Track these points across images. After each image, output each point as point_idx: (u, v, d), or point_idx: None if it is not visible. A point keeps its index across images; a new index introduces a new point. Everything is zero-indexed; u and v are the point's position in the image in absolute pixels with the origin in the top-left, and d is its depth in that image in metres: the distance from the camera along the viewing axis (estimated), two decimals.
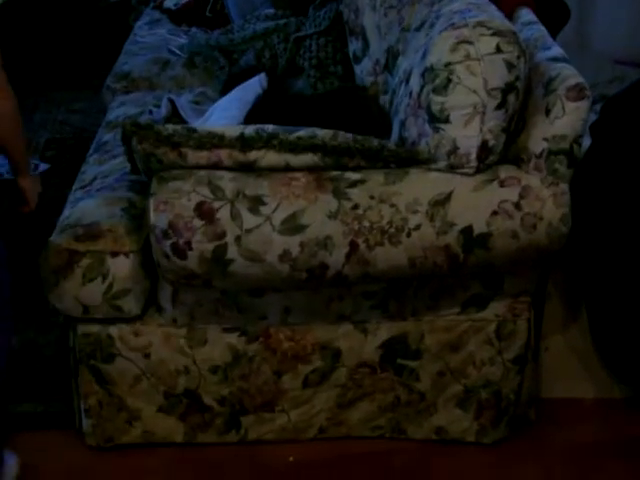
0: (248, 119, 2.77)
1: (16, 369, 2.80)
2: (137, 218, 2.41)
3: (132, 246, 2.35)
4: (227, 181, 2.20)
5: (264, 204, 2.18)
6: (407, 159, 2.28)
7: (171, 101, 3.21)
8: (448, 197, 2.23)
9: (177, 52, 3.77)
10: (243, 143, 2.21)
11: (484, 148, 2.23)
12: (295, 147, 2.22)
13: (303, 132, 2.23)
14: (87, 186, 2.67)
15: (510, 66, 2.20)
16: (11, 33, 4.86)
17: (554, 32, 3.01)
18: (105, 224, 2.38)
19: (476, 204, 2.24)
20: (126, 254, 2.34)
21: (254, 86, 3.04)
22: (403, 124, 2.38)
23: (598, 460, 2.63)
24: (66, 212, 2.51)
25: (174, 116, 3.15)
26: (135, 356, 2.45)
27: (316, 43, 3.45)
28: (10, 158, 2.43)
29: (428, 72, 2.25)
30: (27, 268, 2.49)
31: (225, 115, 2.86)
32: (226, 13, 4.16)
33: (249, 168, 2.24)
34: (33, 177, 2.56)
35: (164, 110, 3.16)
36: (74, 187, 2.73)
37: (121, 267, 2.34)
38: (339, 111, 2.81)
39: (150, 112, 3.17)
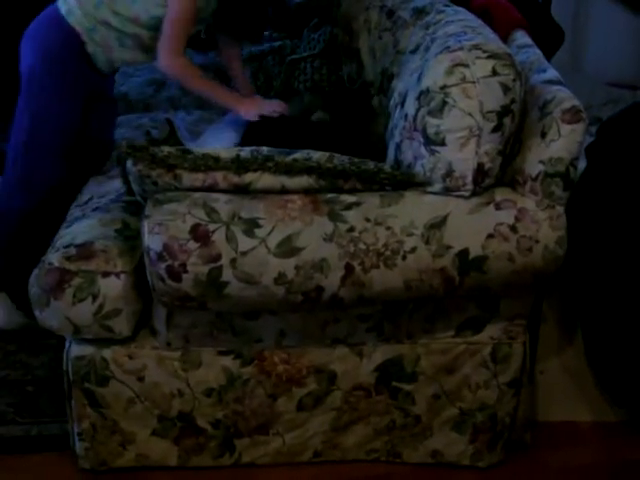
0: (244, 141, 2.77)
1: (9, 391, 2.80)
2: (131, 239, 2.40)
3: (124, 267, 2.34)
4: (222, 203, 2.20)
5: (259, 226, 2.17)
6: (403, 182, 2.28)
7: (169, 122, 3.21)
8: (444, 220, 2.23)
9: None
10: (238, 165, 2.21)
11: (480, 171, 2.23)
12: (290, 169, 2.22)
13: (299, 154, 2.24)
14: (82, 205, 2.67)
15: (506, 89, 2.20)
16: (9, 53, 4.86)
17: (549, 55, 3.03)
18: (98, 244, 2.38)
19: (472, 227, 2.24)
20: (117, 275, 2.33)
21: None
22: (399, 147, 2.38)
23: None
24: (61, 232, 2.51)
25: (172, 137, 3.14)
26: (129, 379, 2.43)
27: (311, 65, 3.46)
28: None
29: (424, 95, 2.26)
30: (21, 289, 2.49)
31: (220, 137, 2.86)
32: None
33: (244, 190, 2.23)
34: (245, 102, 2.89)
35: (162, 131, 3.16)
36: (72, 205, 2.72)
37: (112, 287, 2.33)
38: (335, 134, 2.81)
39: (148, 133, 3.17)
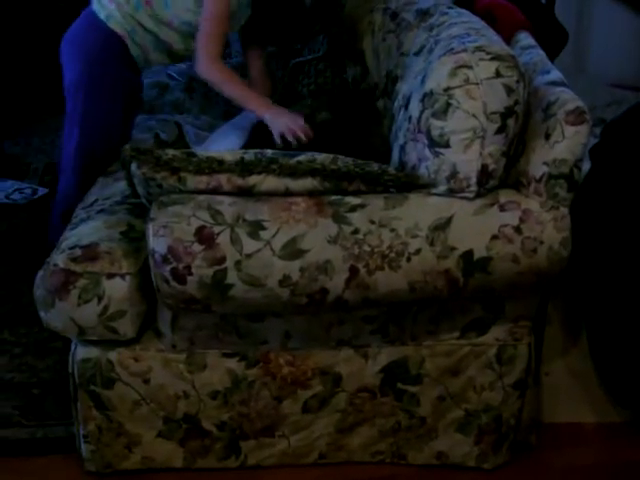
0: (250, 144, 2.78)
1: (15, 394, 2.80)
2: (136, 241, 2.41)
3: (129, 268, 2.34)
4: (227, 206, 2.20)
5: (264, 229, 2.18)
6: (407, 184, 2.28)
7: (178, 125, 3.22)
8: (448, 221, 2.23)
9: (176, 77, 3.78)
10: (242, 168, 2.21)
11: (484, 172, 2.24)
12: (295, 171, 2.22)
13: (303, 156, 2.24)
14: (88, 207, 2.67)
15: (509, 90, 2.20)
16: (10, 58, 4.87)
17: (552, 56, 3.03)
18: (103, 246, 2.38)
19: (476, 228, 2.24)
20: (122, 276, 2.33)
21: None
22: (403, 149, 2.38)
23: None
24: (66, 233, 2.51)
25: (180, 140, 3.17)
26: (134, 381, 2.44)
27: (315, 69, 3.46)
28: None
29: (427, 97, 2.26)
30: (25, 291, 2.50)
31: (225, 141, 2.88)
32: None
33: (248, 193, 2.24)
34: (272, 111, 2.85)
35: (171, 134, 3.19)
36: (78, 207, 2.73)
37: (117, 289, 2.33)
38: (339, 136, 2.81)
39: (157, 136, 3.18)
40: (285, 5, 3.05)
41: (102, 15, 2.91)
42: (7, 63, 4.90)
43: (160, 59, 3.05)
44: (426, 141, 2.26)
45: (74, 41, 2.99)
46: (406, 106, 2.44)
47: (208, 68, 2.85)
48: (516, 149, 2.31)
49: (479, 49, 2.25)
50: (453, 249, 2.22)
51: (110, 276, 2.32)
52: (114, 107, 3.00)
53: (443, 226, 2.22)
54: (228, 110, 3.44)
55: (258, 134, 2.85)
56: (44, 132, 4.75)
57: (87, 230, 2.47)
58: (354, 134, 2.83)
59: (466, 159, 2.22)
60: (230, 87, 2.88)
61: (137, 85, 3.10)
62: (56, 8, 4.96)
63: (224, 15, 2.83)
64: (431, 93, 2.25)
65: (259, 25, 3.04)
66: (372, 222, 2.21)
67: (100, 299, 2.32)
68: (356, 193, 2.27)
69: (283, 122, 2.77)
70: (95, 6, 2.95)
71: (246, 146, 2.79)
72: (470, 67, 2.21)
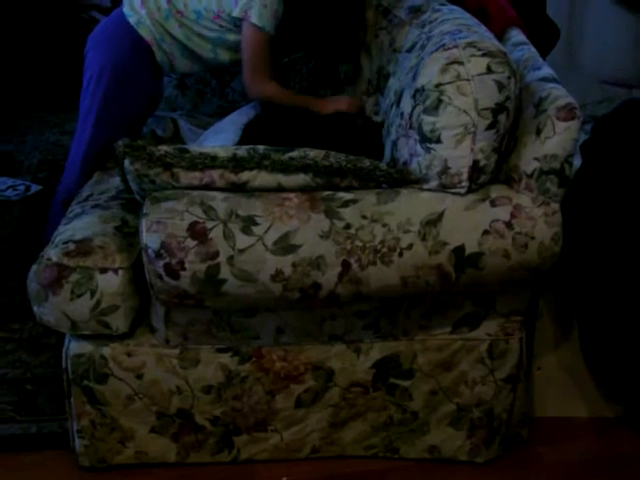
0: (243, 140, 2.79)
1: (8, 390, 2.81)
2: (129, 236, 2.42)
3: (122, 263, 2.35)
4: (220, 201, 2.21)
5: (257, 224, 2.19)
6: (399, 179, 2.29)
7: (174, 121, 3.23)
8: (440, 217, 2.24)
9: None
10: (235, 164, 2.22)
11: (475, 168, 2.25)
12: (287, 167, 2.23)
13: (295, 152, 2.25)
14: (82, 202, 2.68)
15: (501, 86, 2.22)
16: (4, 56, 4.87)
17: (544, 53, 3.03)
18: (97, 241, 2.38)
19: (468, 224, 2.25)
20: (115, 271, 2.34)
21: (248, 110, 3.06)
22: (395, 145, 2.40)
23: (591, 479, 2.63)
24: (61, 228, 2.52)
25: (176, 136, 3.18)
26: (128, 376, 2.44)
27: (307, 66, 3.46)
28: None
29: (419, 93, 2.27)
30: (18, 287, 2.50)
31: (219, 138, 2.88)
32: None
33: (241, 189, 2.25)
34: (327, 103, 2.99)
35: (167, 130, 3.20)
36: (73, 202, 2.73)
37: (110, 284, 2.33)
38: (333, 132, 2.82)
39: (154, 132, 3.20)
40: (321, 9, 3.03)
41: (132, 20, 2.93)
42: (1, 60, 4.90)
43: (188, 66, 3.07)
44: (418, 137, 2.27)
45: (101, 43, 3.00)
46: (398, 102, 2.45)
47: (260, 90, 2.95)
48: (507, 145, 2.32)
49: (470, 45, 2.26)
50: (445, 244, 2.23)
51: (103, 270, 2.33)
52: (131, 113, 3.03)
53: (435, 221, 2.23)
54: (221, 105, 3.46)
55: (250, 132, 2.85)
56: (38, 129, 4.76)
57: (81, 225, 2.48)
58: (347, 130, 2.83)
59: (457, 155, 2.23)
60: (290, 101, 2.96)
61: (158, 91, 3.14)
62: (50, 6, 4.97)
63: (264, 42, 2.89)
64: (422, 89, 2.26)
65: (292, 31, 3.04)
66: (364, 217, 2.22)
67: (93, 293, 2.32)
68: (348, 189, 2.28)
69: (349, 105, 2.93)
70: (126, 9, 2.96)
71: (240, 143, 2.79)
72: (461, 63, 2.22)
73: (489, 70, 2.22)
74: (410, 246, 2.23)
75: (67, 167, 3.11)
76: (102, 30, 3.05)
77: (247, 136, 2.83)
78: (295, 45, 3.21)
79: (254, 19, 2.83)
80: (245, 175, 2.23)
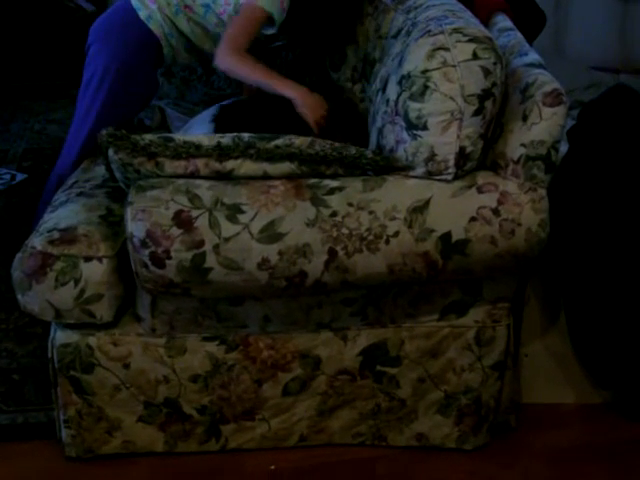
0: (218, 123, 2.77)
1: None
2: (114, 225, 2.41)
3: (106, 251, 2.34)
4: (205, 189, 2.20)
5: (242, 212, 2.18)
6: (385, 166, 2.28)
7: (161, 110, 3.22)
8: (426, 204, 2.23)
9: None
10: (220, 152, 2.21)
11: (462, 154, 2.24)
12: (272, 156, 2.22)
13: (280, 140, 2.23)
14: (67, 189, 2.67)
15: (487, 72, 2.21)
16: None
17: (530, 38, 3.03)
18: (81, 229, 2.38)
19: (454, 210, 2.25)
20: (100, 259, 2.33)
21: (233, 99, 3.06)
22: (380, 132, 2.39)
23: (579, 465, 2.63)
24: (46, 216, 2.51)
25: (163, 125, 3.16)
26: (114, 366, 2.44)
27: (292, 53, 3.45)
28: None
29: (405, 79, 2.26)
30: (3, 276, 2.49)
31: (204, 126, 2.86)
32: None
33: (226, 177, 2.23)
34: (301, 93, 2.77)
35: (154, 119, 3.18)
36: (59, 190, 2.72)
37: (94, 272, 2.33)
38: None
39: (141, 121, 3.18)
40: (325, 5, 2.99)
41: (143, 14, 2.90)
42: None
43: (188, 59, 3.08)
44: (404, 124, 2.26)
45: (107, 37, 2.96)
46: (384, 89, 2.44)
47: (228, 57, 2.81)
48: (494, 131, 2.31)
49: (456, 31, 2.25)
50: (431, 231, 2.23)
51: (87, 259, 2.32)
52: (131, 109, 3.04)
53: (421, 208, 2.23)
54: (207, 93, 3.45)
55: (223, 120, 2.82)
56: (22, 118, 4.73)
57: (66, 213, 2.47)
58: (331, 116, 2.82)
59: (444, 141, 2.22)
60: (252, 76, 2.85)
61: (156, 83, 3.11)
62: None
63: (259, 20, 2.83)
64: (408, 75, 2.25)
65: (297, 26, 3.01)
66: (350, 205, 2.21)
67: (77, 282, 2.31)
68: (334, 176, 2.27)
69: (314, 109, 2.75)
70: (135, 3, 2.93)
71: (216, 124, 2.78)
72: (447, 49, 2.21)
73: (475, 56, 2.21)
74: (396, 233, 2.22)
75: (59, 162, 3.09)
76: (107, 23, 3.01)
77: (220, 126, 2.80)
78: (291, 38, 3.18)
79: (260, 1, 2.81)
80: (230, 164, 2.22)
